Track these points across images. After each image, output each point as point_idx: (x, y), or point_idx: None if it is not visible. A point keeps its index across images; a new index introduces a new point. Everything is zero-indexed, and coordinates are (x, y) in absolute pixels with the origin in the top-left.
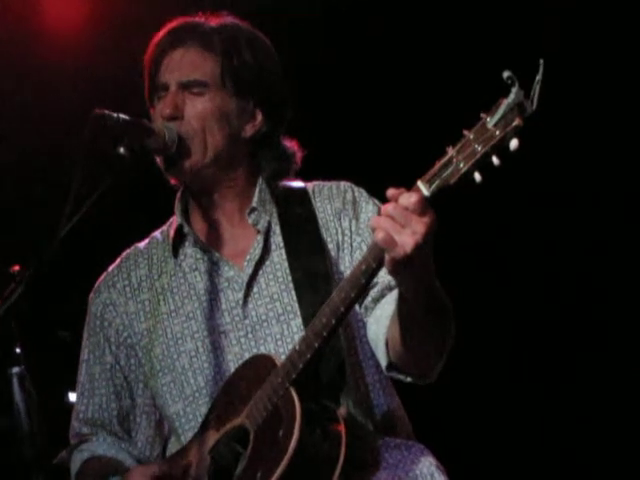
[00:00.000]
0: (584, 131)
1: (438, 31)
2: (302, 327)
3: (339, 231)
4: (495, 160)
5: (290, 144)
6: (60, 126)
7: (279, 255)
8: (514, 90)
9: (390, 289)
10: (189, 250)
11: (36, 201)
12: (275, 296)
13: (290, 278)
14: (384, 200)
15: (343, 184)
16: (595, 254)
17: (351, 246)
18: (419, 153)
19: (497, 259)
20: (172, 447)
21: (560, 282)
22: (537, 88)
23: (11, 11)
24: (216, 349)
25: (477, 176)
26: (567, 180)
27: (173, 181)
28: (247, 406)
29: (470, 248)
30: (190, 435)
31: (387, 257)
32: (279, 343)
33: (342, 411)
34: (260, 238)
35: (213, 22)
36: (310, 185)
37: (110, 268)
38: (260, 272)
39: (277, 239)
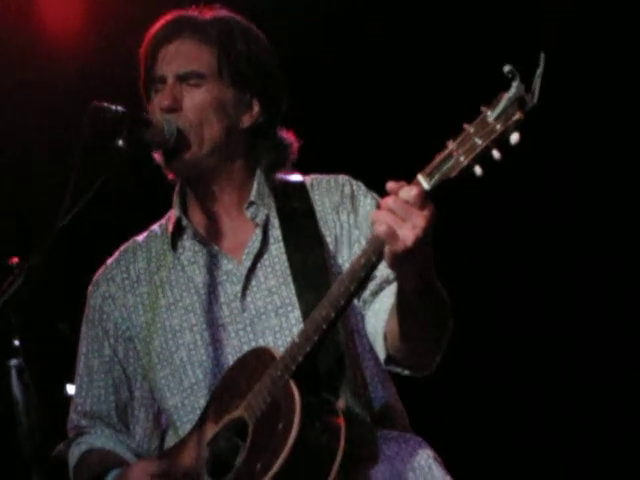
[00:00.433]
0: (585, 125)
1: (439, 24)
2: (300, 320)
3: (337, 225)
4: (496, 154)
5: (287, 135)
6: (59, 120)
7: (277, 248)
8: (515, 84)
9: (389, 282)
10: (187, 243)
11: (35, 193)
12: (273, 289)
13: (288, 271)
14: (383, 194)
15: (341, 177)
16: (595, 250)
17: (349, 240)
18: (419, 146)
19: (495, 252)
20: (170, 440)
21: (559, 275)
22: (538, 82)
23: (10, 10)
24: (215, 342)
25: (477, 170)
26: (567, 174)
27: (171, 176)
28: (246, 399)
29: (468, 242)
30: (188, 428)
31: (387, 251)
32: (277, 336)
33: (341, 404)
34: (259, 231)
35: (207, 15)
36: (308, 178)
37: (109, 261)
38: (259, 265)
39: (275, 232)
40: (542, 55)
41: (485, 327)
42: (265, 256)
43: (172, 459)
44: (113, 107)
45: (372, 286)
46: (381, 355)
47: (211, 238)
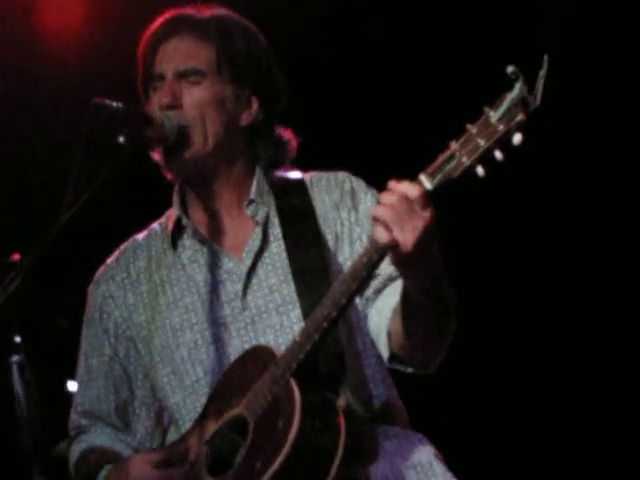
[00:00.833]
0: (587, 126)
1: (442, 24)
2: (301, 318)
3: (338, 222)
4: (498, 155)
5: (286, 132)
6: (59, 117)
7: (278, 246)
8: (518, 85)
9: (392, 280)
10: (188, 242)
11: (36, 190)
12: (274, 287)
13: (289, 269)
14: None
15: (341, 174)
16: (597, 249)
17: (351, 237)
18: (421, 146)
19: (496, 252)
20: (172, 437)
21: (560, 274)
22: (541, 83)
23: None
24: (216, 341)
25: (480, 170)
26: (570, 175)
27: (170, 175)
28: (246, 397)
29: (469, 241)
30: (190, 425)
31: (390, 254)
32: (278, 334)
33: (341, 402)
34: (259, 230)
35: (206, 13)
36: (307, 176)
37: (109, 260)
38: (259, 263)
39: (275, 230)
40: (545, 56)
41: (485, 324)
42: (265, 254)
43: (173, 455)
44: (114, 104)
45: (375, 284)
46: (384, 353)
47: (211, 237)
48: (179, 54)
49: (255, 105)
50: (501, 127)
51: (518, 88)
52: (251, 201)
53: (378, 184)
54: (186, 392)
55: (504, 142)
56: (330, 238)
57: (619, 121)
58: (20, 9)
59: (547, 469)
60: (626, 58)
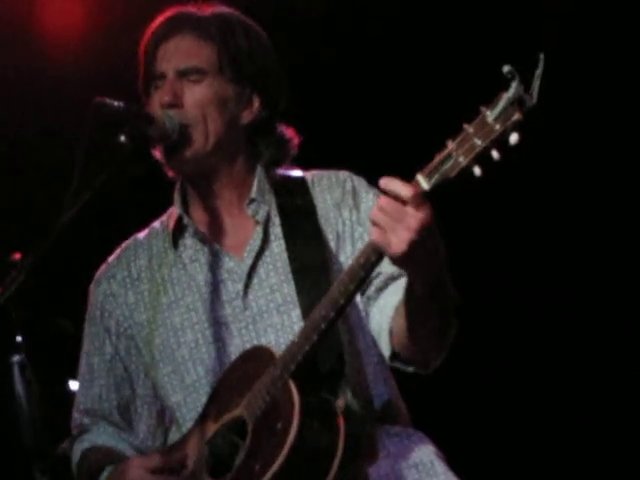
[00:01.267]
0: (584, 125)
1: (439, 24)
2: (302, 318)
3: (339, 221)
4: (495, 154)
5: (287, 130)
6: (61, 117)
7: (278, 246)
8: (514, 84)
9: (394, 279)
10: (189, 241)
11: (37, 190)
12: (275, 287)
13: (289, 269)
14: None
15: (342, 173)
16: (595, 249)
17: (352, 236)
18: (419, 146)
19: (495, 251)
20: (173, 437)
21: (560, 274)
22: (537, 82)
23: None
24: (217, 340)
25: (477, 170)
26: (567, 174)
27: (171, 174)
28: (245, 397)
29: (468, 241)
30: (191, 425)
31: (386, 254)
32: (279, 334)
33: (341, 403)
34: (259, 229)
35: (207, 11)
36: (309, 175)
37: (110, 259)
38: (260, 263)
39: (276, 230)
40: (541, 55)
41: (486, 323)
42: (266, 253)
43: (172, 457)
44: (115, 103)
45: (377, 283)
46: (386, 352)
47: (212, 236)
48: (180, 53)
49: (256, 103)
50: (497, 127)
51: (514, 87)
52: (252, 200)
53: (376, 180)
54: (187, 391)
55: (501, 142)
56: (331, 237)
57: (617, 120)
58: (21, 9)
59: (548, 468)
60: (624, 57)
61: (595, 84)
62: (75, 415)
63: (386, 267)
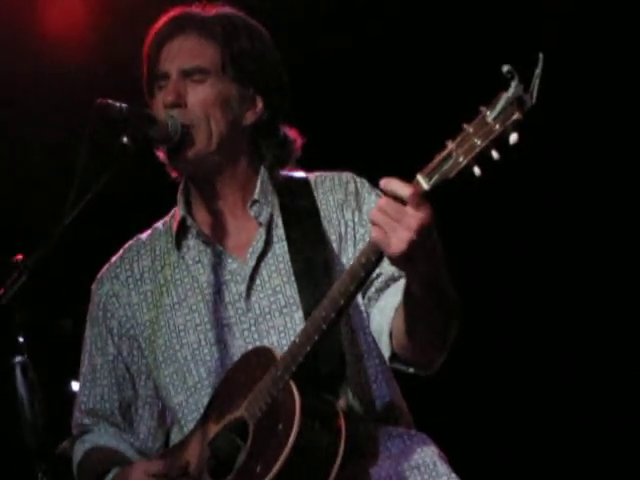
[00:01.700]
0: (584, 125)
1: (438, 24)
2: (304, 319)
3: (341, 222)
4: (495, 154)
5: (290, 132)
6: (63, 117)
7: (281, 247)
8: (514, 84)
9: (394, 280)
10: (192, 242)
11: (39, 191)
12: (278, 288)
13: (292, 270)
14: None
15: (345, 175)
16: (594, 249)
17: (354, 238)
18: (419, 146)
19: (496, 251)
20: (175, 437)
21: (560, 275)
22: (536, 82)
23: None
24: (219, 342)
25: (476, 170)
26: (566, 174)
27: (174, 174)
28: (247, 399)
29: (468, 241)
30: (193, 426)
31: (385, 254)
32: (282, 335)
33: (342, 404)
34: (262, 230)
35: (211, 11)
36: (312, 176)
37: (113, 259)
38: (262, 264)
39: (279, 231)
40: (540, 55)
41: (488, 324)
42: (269, 255)
43: (173, 459)
44: (117, 104)
45: (377, 283)
46: (386, 353)
47: (215, 237)
48: (183, 53)
49: (260, 104)
50: (497, 126)
51: (514, 87)
52: (255, 201)
53: (378, 180)
54: (189, 392)
55: (500, 141)
56: (334, 239)
57: (616, 120)
58: (22, 9)
59: (550, 469)
60: (624, 57)
61: (595, 84)
62: (76, 414)
63: (386, 268)
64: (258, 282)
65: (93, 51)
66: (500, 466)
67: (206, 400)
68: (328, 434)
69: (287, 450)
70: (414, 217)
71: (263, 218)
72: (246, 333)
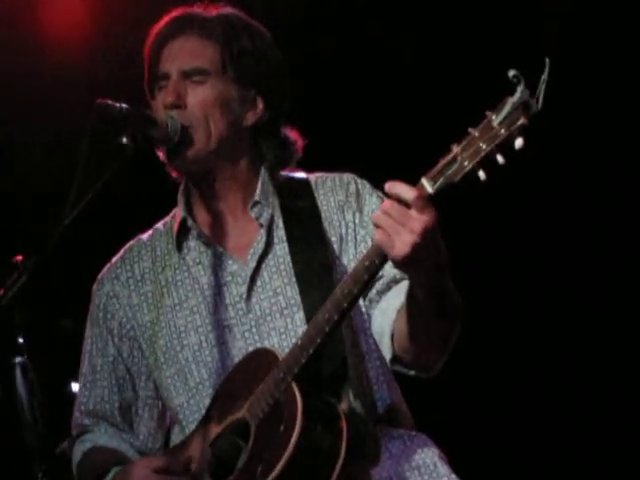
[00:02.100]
0: (589, 130)
1: (443, 27)
2: (305, 321)
3: (342, 224)
4: (500, 159)
5: (291, 133)
6: (63, 117)
7: (282, 248)
8: (520, 89)
9: (396, 282)
10: (192, 243)
11: (39, 191)
12: (278, 290)
13: (293, 272)
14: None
15: (346, 176)
16: (597, 253)
17: (355, 239)
18: (424, 150)
19: (498, 255)
20: (176, 438)
21: (561, 277)
22: (543, 87)
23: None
24: (220, 343)
25: (481, 174)
26: (571, 178)
27: (175, 174)
28: (248, 400)
29: (473, 245)
30: (194, 427)
31: (389, 257)
32: (283, 337)
33: (344, 406)
34: (263, 232)
35: (212, 12)
36: (313, 177)
37: (113, 260)
38: (263, 266)
39: (280, 232)
40: (547, 60)
41: (489, 326)
42: (270, 256)
43: (175, 459)
44: (117, 105)
45: (379, 285)
46: (387, 355)
47: (216, 238)
48: (184, 53)
49: (260, 105)
50: (502, 131)
51: (519, 92)
52: (256, 203)
53: (381, 182)
54: (190, 393)
55: (506, 146)
56: (335, 240)
57: (621, 124)
58: (22, 9)
59: (551, 470)
60: (628, 61)
61: (598, 87)
62: (76, 414)
63: (388, 270)
64: (259, 283)
65: (93, 51)
66: (500, 467)
67: (207, 401)
68: (330, 436)
69: (289, 452)
70: (418, 220)
71: (264, 219)
72: (247, 334)
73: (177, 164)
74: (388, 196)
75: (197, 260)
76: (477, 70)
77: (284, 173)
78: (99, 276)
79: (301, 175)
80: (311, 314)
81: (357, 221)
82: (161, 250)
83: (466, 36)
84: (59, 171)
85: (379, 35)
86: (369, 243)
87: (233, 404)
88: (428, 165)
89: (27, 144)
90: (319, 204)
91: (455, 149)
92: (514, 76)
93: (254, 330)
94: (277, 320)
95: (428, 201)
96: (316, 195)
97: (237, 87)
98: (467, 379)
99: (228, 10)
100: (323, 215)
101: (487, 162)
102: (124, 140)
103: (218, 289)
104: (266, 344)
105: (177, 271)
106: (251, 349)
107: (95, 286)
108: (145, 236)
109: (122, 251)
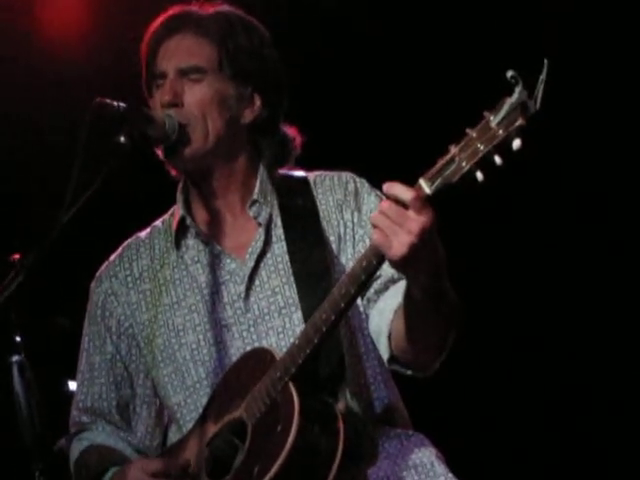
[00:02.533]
0: (587, 132)
1: (442, 27)
2: (303, 320)
3: (340, 223)
4: (498, 159)
5: (290, 130)
6: (61, 116)
7: (280, 247)
8: (518, 89)
9: (394, 282)
10: (191, 242)
11: (37, 189)
12: (277, 289)
13: (291, 271)
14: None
15: (345, 175)
16: (596, 253)
17: (353, 238)
18: (422, 150)
19: (496, 255)
20: (173, 436)
21: (561, 277)
22: (541, 88)
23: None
24: (218, 342)
25: (479, 175)
26: (569, 179)
27: (174, 172)
28: (245, 399)
29: (471, 246)
30: (191, 425)
31: (386, 257)
32: (281, 336)
33: (341, 406)
34: (261, 231)
35: (209, 10)
36: (311, 175)
37: (112, 258)
38: (261, 265)
39: (278, 231)
40: (545, 61)
41: (487, 325)
42: (268, 255)
43: (172, 458)
44: (115, 103)
45: (376, 285)
46: (384, 355)
47: (214, 237)
48: (181, 51)
49: (258, 102)
50: (500, 132)
51: (518, 93)
52: (254, 201)
53: (379, 182)
54: (187, 392)
55: (503, 147)
56: (333, 239)
57: (620, 125)
58: (22, 9)
59: (549, 470)
60: (627, 61)
61: (596, 88)
62: (74, 412)
63: (386, 270)
64: (257, 283)
65: (90, 49)
66: (498, 466)
67: (205, 400)
68: (327, 436)
69: (285, 451)
70: (416, 221)
71: (262, 218)
72: (245, 334)
73: (175, 162)
74: (387, 197)
75: (195, 259)
76: (476, 70)
77: (282, 171)
78: (97, 274)
79: (300, 173)
80: (309, 314)
81: (355, 220)
82: (160, 248)
83: (465, 36)
84: (57, 170)
85: (379, 35)
86: (367, 242)
87: (230, 403)
88: (426, 165)
89: (24, 143)
90: (318, 203)
91: (453, 150)
92: (512, 77)
93: (252, 329)
94: (275, 319)
95: (426, 202)
96: (315, 194)
97: (234, 85)
98: (464, 378)
99: (225, 8)
100: (321, 214)
101: (485, 163)
102: (122, 139)
103: (216, 288)
104: (264, 343)
105: (175, 269)
106: (249, 348)
107: (93, 284)
108: (143, 234)
109: (120, 249)
